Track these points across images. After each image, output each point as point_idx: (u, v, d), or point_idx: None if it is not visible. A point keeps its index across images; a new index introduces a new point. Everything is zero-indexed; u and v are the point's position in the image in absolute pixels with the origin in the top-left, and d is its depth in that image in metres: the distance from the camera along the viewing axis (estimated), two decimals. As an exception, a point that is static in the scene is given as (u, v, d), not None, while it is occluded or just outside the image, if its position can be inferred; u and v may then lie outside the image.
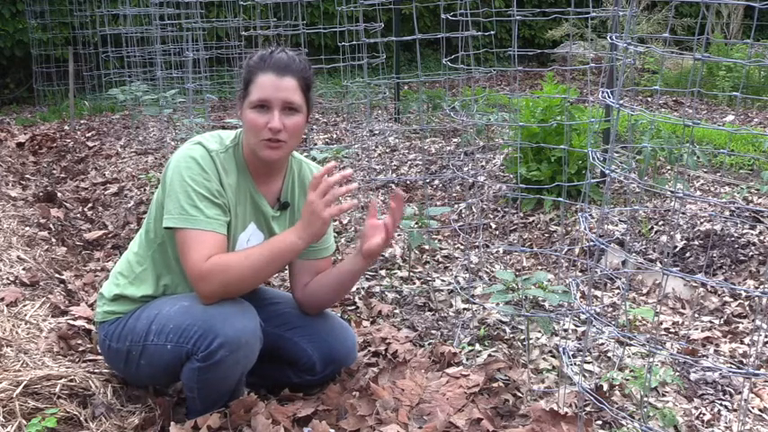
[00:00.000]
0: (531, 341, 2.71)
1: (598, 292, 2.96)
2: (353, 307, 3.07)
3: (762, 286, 3.09)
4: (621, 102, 1.79)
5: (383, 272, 3.44)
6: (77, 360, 2.48)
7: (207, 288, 2.04)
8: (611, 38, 1.97)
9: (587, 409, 2.15)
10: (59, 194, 4.82)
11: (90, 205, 4.70)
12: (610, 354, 2.63)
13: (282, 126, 2.09)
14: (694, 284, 3.13)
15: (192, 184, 2.06)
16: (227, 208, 2.12)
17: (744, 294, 3.06)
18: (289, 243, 2.08)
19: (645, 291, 3.22)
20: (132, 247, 2.29)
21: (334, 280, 2.30)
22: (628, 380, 2.32)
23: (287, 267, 2.40)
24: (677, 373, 2.46)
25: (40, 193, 4.80)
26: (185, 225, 2.05)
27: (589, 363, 2.57)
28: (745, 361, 2.59)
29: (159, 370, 2.15)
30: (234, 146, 2.18)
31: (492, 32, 3.32)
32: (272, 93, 2.09)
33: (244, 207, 2.19)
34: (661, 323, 2.91)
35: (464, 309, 3.04)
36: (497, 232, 4.03)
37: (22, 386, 2.18)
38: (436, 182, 4.86)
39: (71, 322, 2.78)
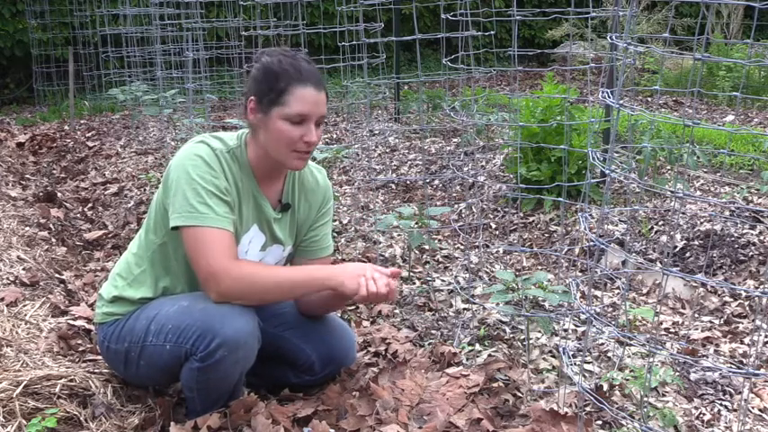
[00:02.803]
0: (531, 341, 2.71)
1: (598, 292, 2.96)
2: (353, 307, 3.06)
3: (762, 286, 3.09)
4: (621, 102, 1.79)
5: (383, 272, 3.44)
6: (77, 360, 2.48)
7: (222, 287, 2.01)
8: (611, 38, 1.97)
9: (587, 409, 2.15)
10: (59, 194, 4.81)
11: (90, 205, 4.70)
12: (610, 354, 2.63)
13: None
14: (694, 284, 3.13)
15: (199, 181, 2.03)
16: (233, 207, 2.11)
17: (744, 294, 3.06)
18: (325, 272, 2.11)
19: (645, 291, 3.21)
20: (131, 248, 2.28)
21: (321, 299, 2.28)
22: (628, 380, 2.32)
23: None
24: (677, 373, 2.46)
25: (40, 193, 4.80)
26: (195, 223, 2.01)
27: (589, 363, 2.57)
28: (745, 361, 2.59)
29: (158, 370, 2.14)
30: (237, 147, 2.15)
31: (492, 32, 3.32)
32: (313, 108, 2.07)
33: (247, 208, 2.18)
34: (661, 323, 2.91)
35: (464, 309, 3.04)
36: (497, 232, 4.03)
37: (22, 386, 2.18)
38: (436, 182, 4.86)
39: (71, 322, 2.78)
